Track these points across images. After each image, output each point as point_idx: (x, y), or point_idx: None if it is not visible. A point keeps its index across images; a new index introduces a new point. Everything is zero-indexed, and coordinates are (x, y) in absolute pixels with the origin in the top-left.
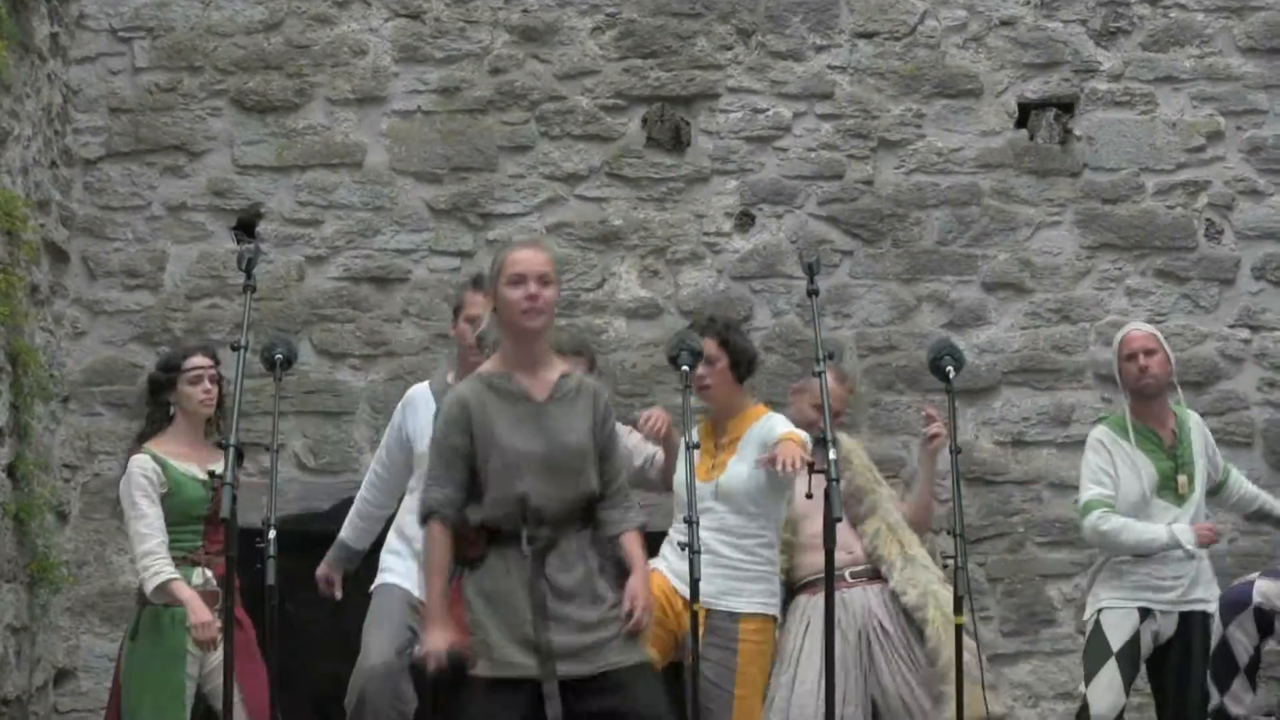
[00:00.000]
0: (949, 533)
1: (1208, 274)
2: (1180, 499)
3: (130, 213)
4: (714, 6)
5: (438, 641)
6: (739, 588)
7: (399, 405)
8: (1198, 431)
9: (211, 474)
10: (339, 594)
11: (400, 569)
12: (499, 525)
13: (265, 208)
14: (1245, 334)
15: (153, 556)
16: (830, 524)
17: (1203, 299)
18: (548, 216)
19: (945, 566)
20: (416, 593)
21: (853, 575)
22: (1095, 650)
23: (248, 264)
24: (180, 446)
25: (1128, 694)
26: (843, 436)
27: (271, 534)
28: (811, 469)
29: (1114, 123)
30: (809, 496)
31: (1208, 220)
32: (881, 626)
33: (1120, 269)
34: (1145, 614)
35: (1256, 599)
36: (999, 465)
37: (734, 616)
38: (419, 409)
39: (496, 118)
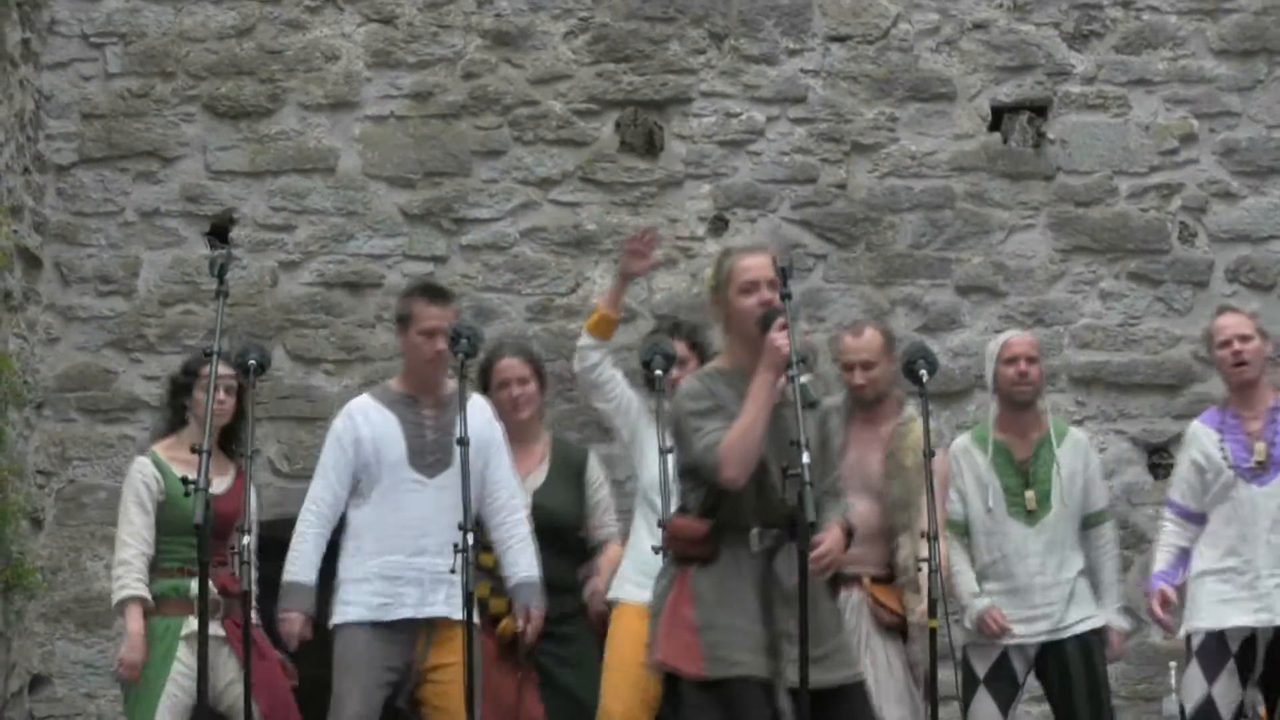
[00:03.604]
0: (923, 535)
1: (1181, 277)
2: (1030, 516)
3: (103, 219)
4: (687, 10)
5: None
6: None
7: (342, 420)
8: (1075, 452)
9: (185, 480)
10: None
11: (364, 599)
12: (727, 520)
13: (238, 213)
14: None
15: (125, 568)
16: (804, 529)
17: (1176, 302)
18: (521, 221)
19: (920, 570)
20: (392, 613)
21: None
22: (966, 683)
23: (220, 269)
24: (189, 452)
25: (1009, 708)
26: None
27: (247, 540)
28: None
29: (1087, 126)
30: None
31: (1181, 223)
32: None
33: (1094, 272)
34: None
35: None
36: None
37: None
38: (371, 417)
39: (469, 122)
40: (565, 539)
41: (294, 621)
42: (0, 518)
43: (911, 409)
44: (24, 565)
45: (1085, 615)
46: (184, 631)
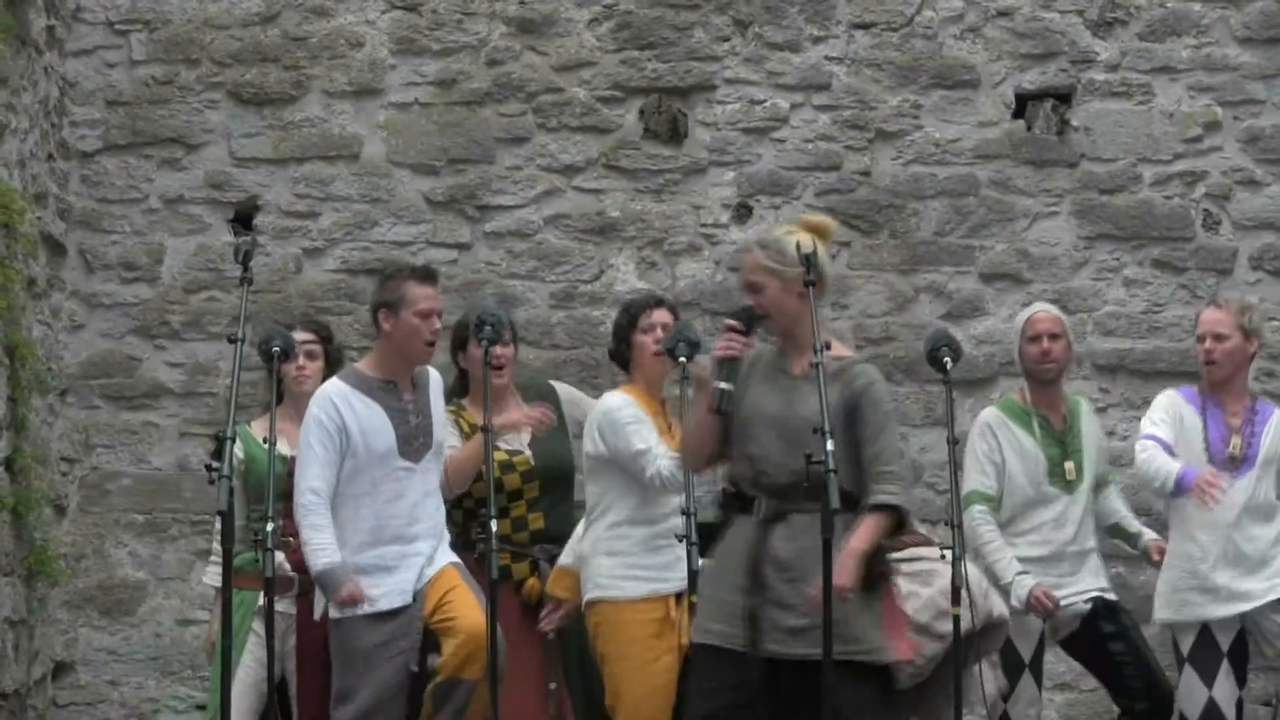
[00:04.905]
0: (946, 524)
1: (1205, 264)
2: (1069, 485)
3: (127, 205)
4: None
5: None
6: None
7: (325, 408)
8: (1089, 421)
9: (208, 466)
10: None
11: (363, 590)
12: (739, 487)
13: (262, 200)
14: None
15: (213, 554)
16: (828, 517)
17: (1200, 289)
18: (545, 208)
19: (943, 557)
20: (390, 603)
21: None
22: (1010, 662)
23: (244, 256)
24: (283, 421)
25: (1041, 692)
26: None
27: (270, 526)
28: (809, 459)
29: (1111, 113)
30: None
31: (1205, 210)
32: None
33: (1118, 259)
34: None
35: None
36: None
37: None
38: (355, 405)
39: (493, 109)
40: (568, 485)
41: (355, 591)
42: (23, 505)
43: None
44: (47, 552)
45: (1098, 585)
46: (258, 606)
